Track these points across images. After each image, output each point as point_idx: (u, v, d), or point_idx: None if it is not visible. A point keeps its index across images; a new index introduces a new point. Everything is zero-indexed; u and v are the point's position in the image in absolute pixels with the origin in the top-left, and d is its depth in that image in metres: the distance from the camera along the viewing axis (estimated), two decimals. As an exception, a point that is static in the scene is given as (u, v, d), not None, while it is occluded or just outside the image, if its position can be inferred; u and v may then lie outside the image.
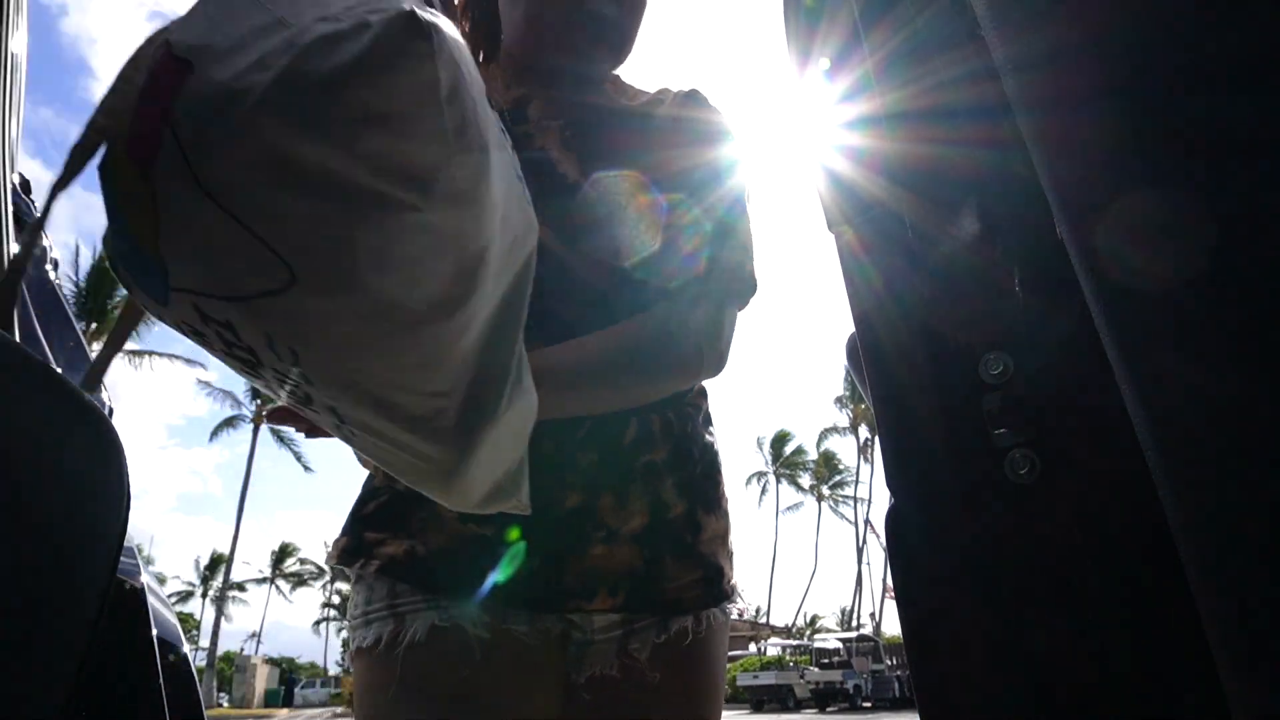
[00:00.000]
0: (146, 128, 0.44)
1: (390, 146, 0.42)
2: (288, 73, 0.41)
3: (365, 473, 0.90)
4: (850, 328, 0.61)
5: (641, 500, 0.84)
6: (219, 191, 0.42)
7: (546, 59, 0.92)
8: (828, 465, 46.48)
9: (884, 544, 0.57)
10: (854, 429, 43.89)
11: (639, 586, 0.84)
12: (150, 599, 0.96)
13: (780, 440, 46.77)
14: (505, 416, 0.56)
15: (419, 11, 0.43)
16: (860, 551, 43.84)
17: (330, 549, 0.90)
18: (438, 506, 0.79)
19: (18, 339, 0.86)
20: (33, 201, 1.28)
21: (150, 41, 0.47)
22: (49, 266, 1.31)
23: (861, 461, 44.51)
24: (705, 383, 0.98)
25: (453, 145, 0.44)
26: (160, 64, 0.45)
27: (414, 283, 0.46)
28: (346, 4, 0.44)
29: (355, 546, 0.85)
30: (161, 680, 0.71)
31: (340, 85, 0.41)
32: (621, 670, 0.84)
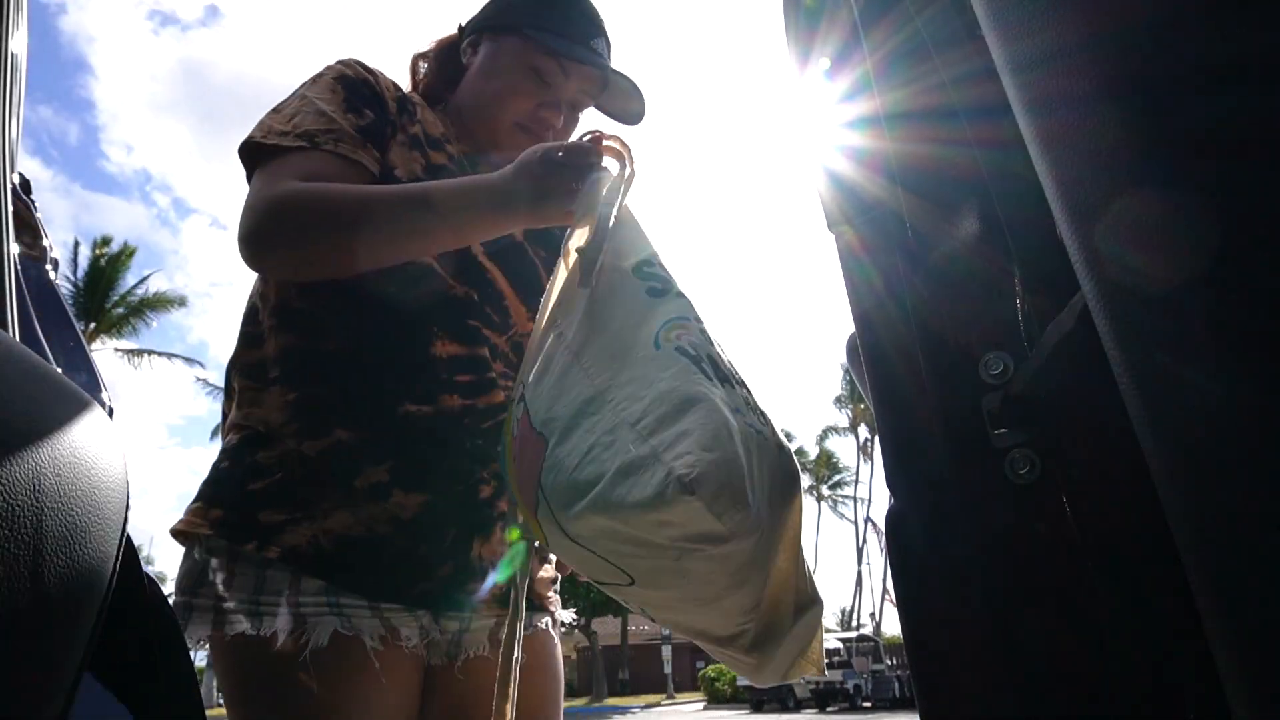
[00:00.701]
0: (527, 493, 0.72)
1: (682, 526, 0.61)
2: (601, 498, 0.63)
3: None
4: (850, 328, 0.61)
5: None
6: (579, 538, 0.66)
7: (486, 140, 1.08)
8: (828, 465, 46.49)
9: (884, 542, 0.57)
10: (854, 429, 43.90)
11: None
12: (149, 599, 0.95)
13: (780, 440, 46.69)
14: (794, 630, 0.73)
15: (697, 473, 0.59)
16: (860, 551, 43.85)
17: (193, 516, 0.86)
18: (337, 495, 0.84)
19: (17, 339, 0.86)
20: (33, 201, 1.28)
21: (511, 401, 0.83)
22: (49, 266, 1.31)
23: (861, 461, 44.54)
24: None
25: (733, 534, 0.60)
26: (525, 435, 0.74)
27: (710, 580, 0.65)
28: (656, 411, 0.64)
29: (245, 524, 0.83)
30: (161, 680, 0.71)
31: (639, 508, 0.60)
32: (492, 651, 0.94)
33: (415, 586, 0.86)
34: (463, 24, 1.13)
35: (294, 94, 0.96)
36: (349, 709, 0.81)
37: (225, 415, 0.95)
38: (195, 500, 0.87)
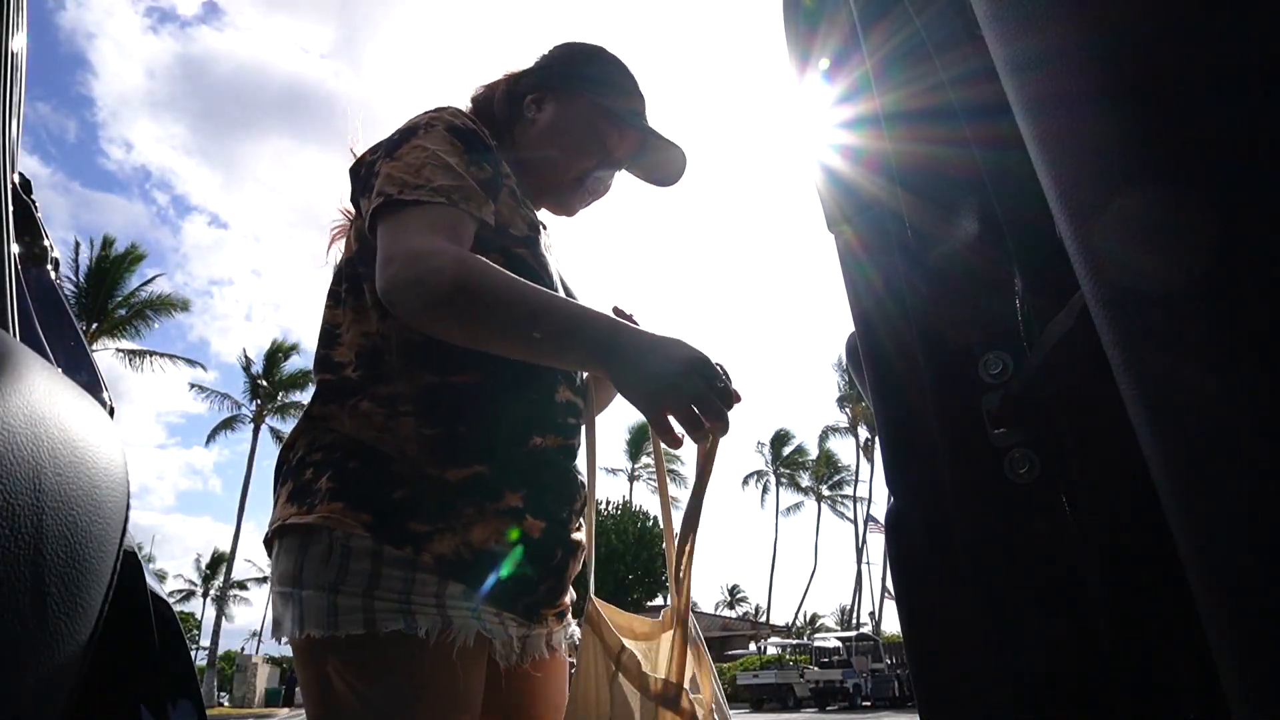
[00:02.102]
0: None
1: None
2: None
3: None
4: (850, 328, 0.61)
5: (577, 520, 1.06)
6: None
7: (536, 187, 1.17)
8: (828, 465, 46.49)
9: (885, 539, 0.57)
10: (854, 429, 43.91)
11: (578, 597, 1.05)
12: (150, 599, 0.95)
13: (780, 440, 46.80)
14: None
15: None
16: (860, 551, 43.86)
17: (340, 515, 0.89)
18: (477, 513, 0.92)
19: (17, 339, 0.86)
20: (33, 201, 1.28)
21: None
22: (49, 267, 1.31)
23: (862, 461, 44.55)
24: None
25: None
26: None
27: None
28: None
29: (398, 530, 0.89)
30: (161, 680, 0.71)
31: None
32: (549, 654, 1.04)
33: (525, 599, 0.96)
34: (513, 72, 1.21)
35: (405, 141, 0.99)
36: (473, 700, 0.90)
37: (323, 419, 0.98)
38: (331, 499, 0.90)
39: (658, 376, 0.85)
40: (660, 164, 1.21)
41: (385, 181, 0.94)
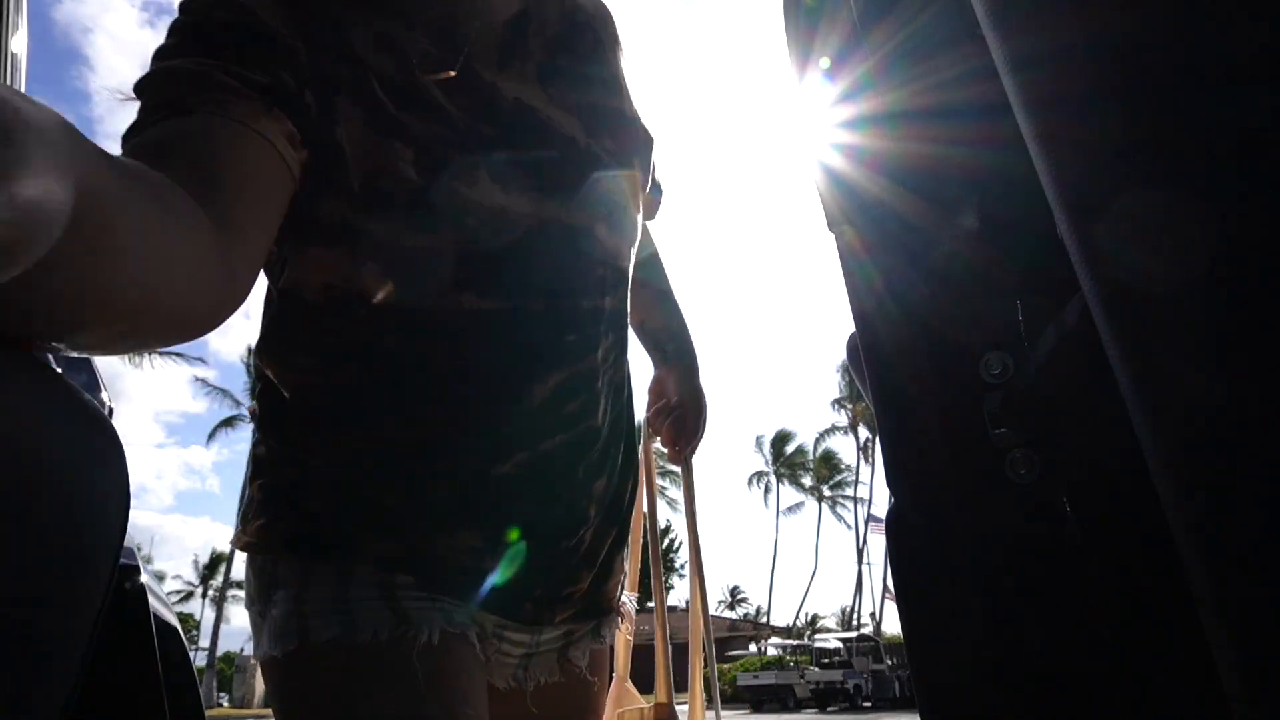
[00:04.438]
0: None
1: None
2: None
3: None
4: (850, 328, 0.61)
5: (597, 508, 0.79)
6: None
7: None
8: (828, 465, 46.47)
9: (885, 539, 0.57)
10: (854, 429, 43.90)
11: (589, 596, 0.80)
12: (150, 599, 0.95)
13: (781, 440, 46.79)
14: None
15: None
16: (860, 551, 43.84)
17: (251, 534, 0.70)
18: (417, 496, 0.70)
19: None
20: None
21: None
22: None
23: (862, 461, 44.53)
24: None
25: None
26: None
27: None
28: None
29: (313, 535, 0.69)
30: (162, 680, 0.71)
31: None
32: (565, 675, 0.81)
33: (512, 596, 0.75)
34: None
35: None
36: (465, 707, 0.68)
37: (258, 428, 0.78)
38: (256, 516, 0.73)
39: None
40: None
41: None
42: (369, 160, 0.63)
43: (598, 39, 0.82)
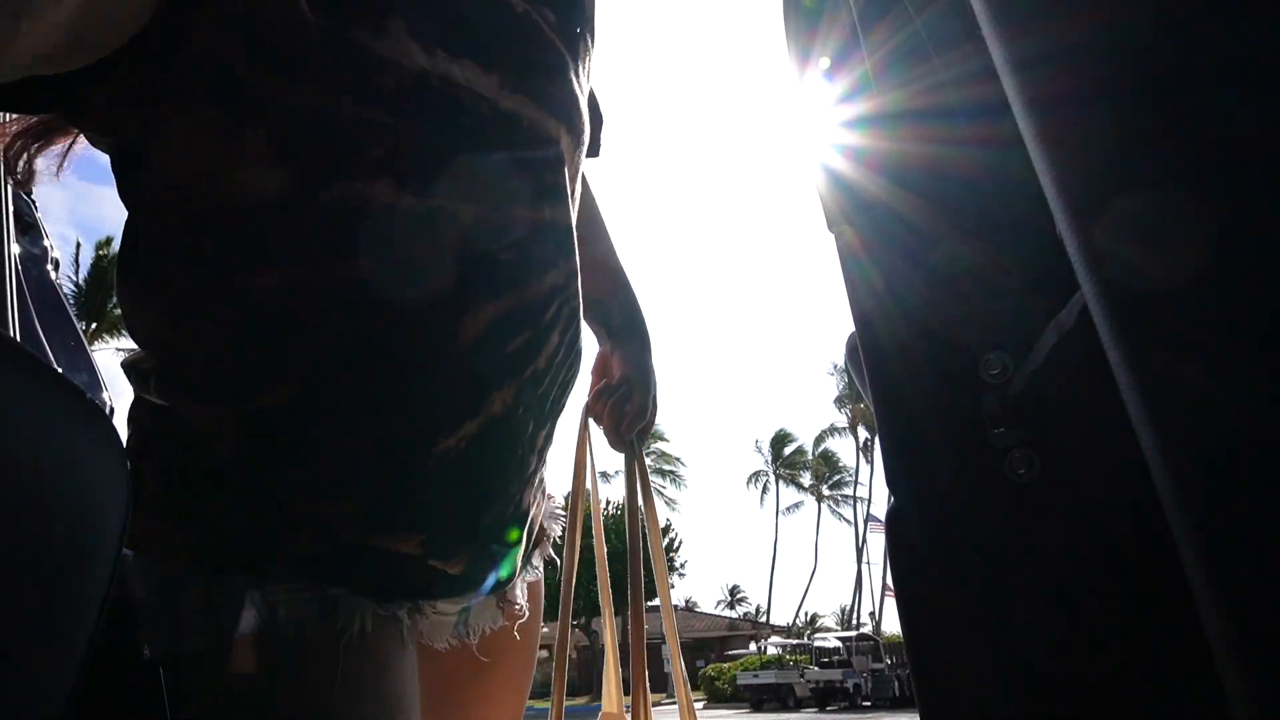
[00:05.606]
0: None
1: None
2: None
3: None
4: (850, 328, 0.61)
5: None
6: None
7: None
8: (827, 465, 46.47)
9: (885, 538, 0.57)
10: (853, 429, 43.90)
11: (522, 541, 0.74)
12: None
13: (780, 440, 46.78)
14: None
15: None
16: (860, 551, 43.85)
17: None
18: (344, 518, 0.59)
19: (17, 339, 0.86)
20: (33, 201, 1.28)
21: None
22: (49, 267, 1.31)
23: (862, 461, 44.55)
24: None
25: None
26: None
27: None
28: None
29: (235, 548, 0.58)
30: (162, 680, 0.71)
31: None
32: (506, 616, 0.78)
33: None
34: None
35: None
36: (405, 689, 0.61)
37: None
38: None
39: None
40: None
41: None
42: None
43: None
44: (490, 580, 0.71)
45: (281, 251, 0.52)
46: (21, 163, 0.64)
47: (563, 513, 0.88)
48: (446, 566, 0.64)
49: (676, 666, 0.90)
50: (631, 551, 0.94)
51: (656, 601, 1.04)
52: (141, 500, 0.57)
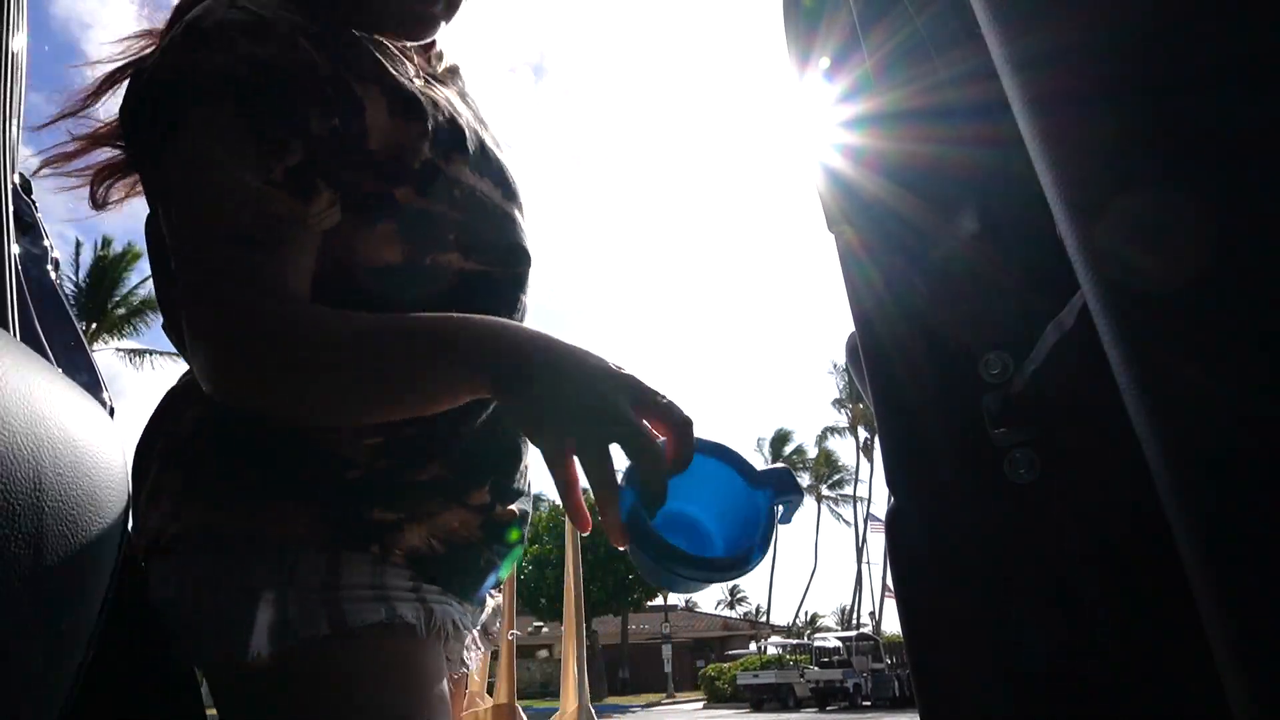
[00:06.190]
0: None
1: None
2: None
3: None
4: (850, 328, 0.61)
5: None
6: None
7: (388, 27, 0.84)
8: (828, 464, 46.49)
9: (885, 538, 0.57)
10: (854, 429, 43.92)
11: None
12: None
13: (780, 440, 46.81)
14: None
15: None
16: (860, 551, 43.86)
17: (290, 519, 0.70)
18: (432, 483, 0.77)
19: (17, 339, 0.86)
20: (33, 201, 1.28)
21: None
22: (49, 266, 1.31)
23: (862, 461, 44.55)
24: None
25: None
26: None
27: None
28: None
29: (357, 525, 0.73)
30: (162, 680, 0.71)
31: None
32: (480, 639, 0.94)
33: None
34: None
35: (176, 126, 0.69)
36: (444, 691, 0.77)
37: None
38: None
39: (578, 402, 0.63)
40: None
41: (173, 238, 0.70)
42: (390, 137, 0.77)
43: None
44: (491, 580, 0.84)
45: (397, 301, 0.76)
46: (101, 189, 0.90)
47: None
48: (503, 515, 0.82)
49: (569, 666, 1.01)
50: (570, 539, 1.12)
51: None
52: (247, 483, 0.73)
